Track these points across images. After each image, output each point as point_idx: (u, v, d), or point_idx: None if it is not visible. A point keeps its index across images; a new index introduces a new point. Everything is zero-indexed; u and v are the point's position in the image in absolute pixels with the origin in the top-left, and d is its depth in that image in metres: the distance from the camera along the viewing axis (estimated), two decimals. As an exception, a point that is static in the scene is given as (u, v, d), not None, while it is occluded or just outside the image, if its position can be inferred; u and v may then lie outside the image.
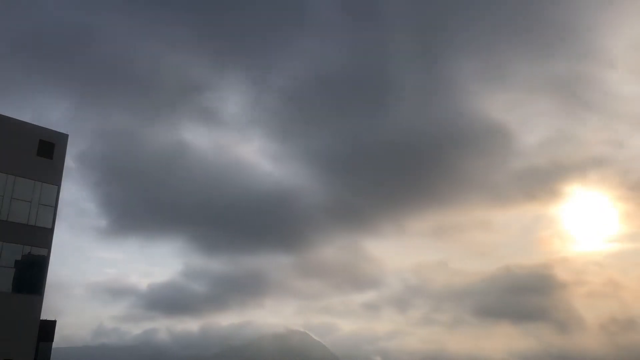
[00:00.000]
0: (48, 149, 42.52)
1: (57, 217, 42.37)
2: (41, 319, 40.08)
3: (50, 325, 41.55)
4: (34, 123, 42.82)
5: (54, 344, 42.87)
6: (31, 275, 40.40)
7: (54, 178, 42.65)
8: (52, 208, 42.14)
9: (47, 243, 41.34)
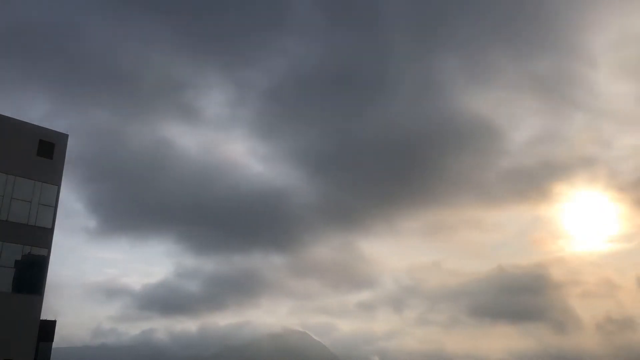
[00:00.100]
0: (48, 149, 42.51)
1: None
2: (41, 319, 40.12)
3: (50, 325, 41.55)
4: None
5: (54, 344, 42.91)
6: (31, 275, 40.39)
7: (54, 178, 42.64)
8: (52, 208, 42.13)
9: (47, 243, 41.33)
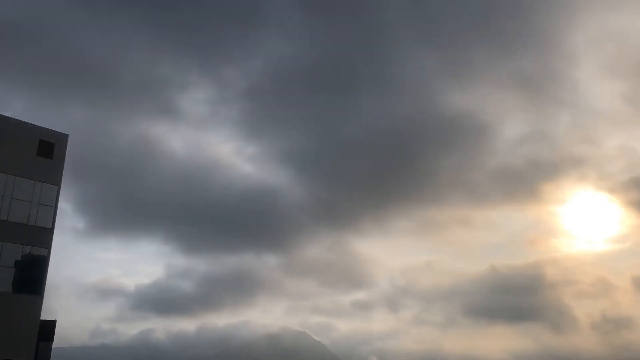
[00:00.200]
0: (48, 149, 42.53)
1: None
2: (41, 319, 40.13)
3: (50, 325, 41.56)
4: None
5: (53, 344, 42.89)
6: (31, 275, 40.40)
7: (54, 178, 42.66)
8: (52, 208, 42.15)
9: (47, 243, 41.36)
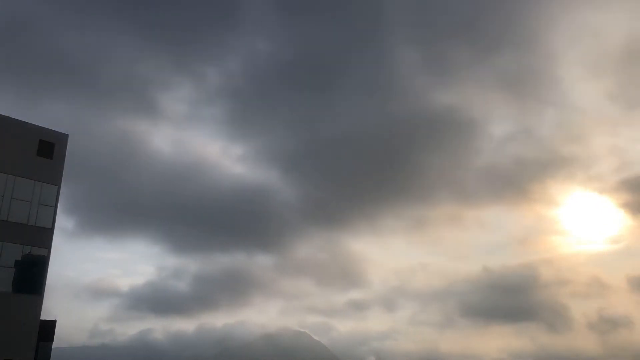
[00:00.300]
0: (48, 149, 42.53)
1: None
2: (41, 319, 40.12)
3: (50, 325, 41.55)
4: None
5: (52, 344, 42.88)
6: (31, 275, 40.39)
7: (54, 178, 42.64)
8: (52, 208, 42.14)
9: (47, 243, 41.34)
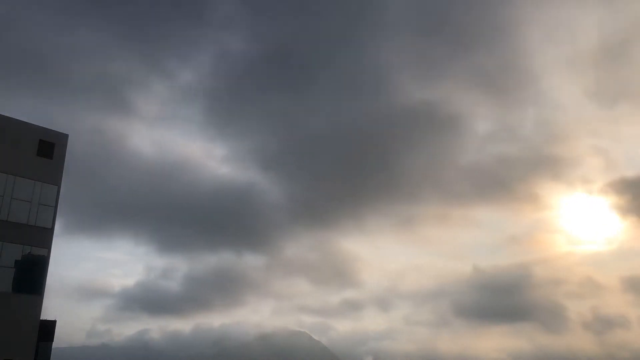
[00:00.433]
0: (48, 149, 42.52)
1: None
2: (41, 319, 40.10)
3: (50, 325, 41.50)
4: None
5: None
6: (31, 275, 40.37)
7: (54, 178, 42.64)
8: (52, 208, 42.12)
9: (47, 243, 41.32)
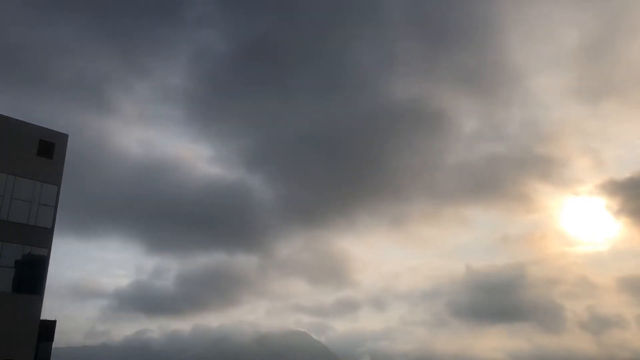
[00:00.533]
0: (48, 149, 42.53)
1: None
2: (41, 319, 40.10)
3: (50, 325, 41.51)
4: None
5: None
6: (31, 275, 40.37)
7: (54, 178, 42.64)
8: (52, 208, 42.12)
9: (47, 243, 41.32)
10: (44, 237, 41.21)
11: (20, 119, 41.76)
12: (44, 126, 43.03)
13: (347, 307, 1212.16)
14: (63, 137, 43.94)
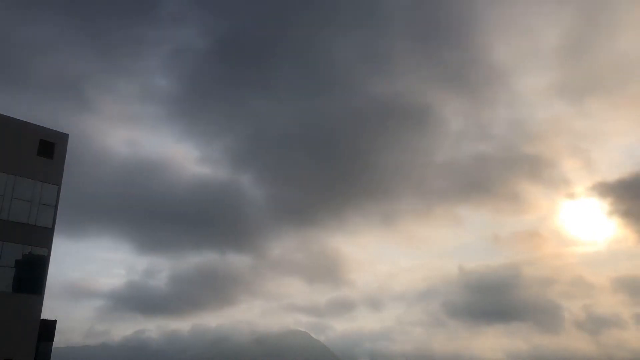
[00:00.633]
0: (48, 149, 42.54)
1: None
2: (41, 318, 40.11)
3: (50, 325, 41.53)
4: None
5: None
6: (31, 274, 40.37)
7: (55, 178, 42.66)
8: (53, 208, 42.14)
9: (47, 243, 41.34)
10: (44, 237, 41.22)
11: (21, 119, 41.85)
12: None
13: (343, 307, 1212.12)
14: (63, 137, 43.93)
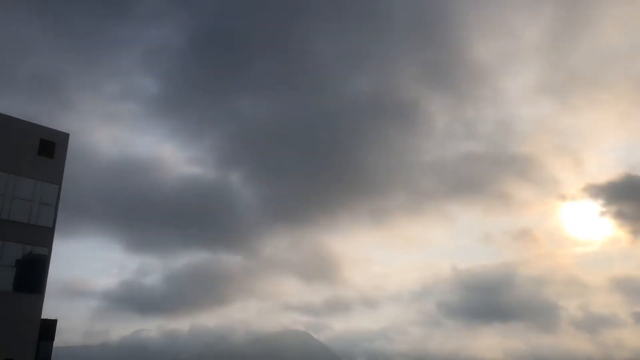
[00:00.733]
0: (49, 148, 42.52)
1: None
2: (42, 318, 40.08)
3: (51, 325, 41.50)
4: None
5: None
6: (32, 274, 40.36)
7: (55, 177, 42.64)
8: (53, 207, 42.11)
9: (47, 242, 41.31)
10: (45, 236, 41.19)
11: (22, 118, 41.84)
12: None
13: (340, 306, 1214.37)
14: (64, 136, 43.92)
